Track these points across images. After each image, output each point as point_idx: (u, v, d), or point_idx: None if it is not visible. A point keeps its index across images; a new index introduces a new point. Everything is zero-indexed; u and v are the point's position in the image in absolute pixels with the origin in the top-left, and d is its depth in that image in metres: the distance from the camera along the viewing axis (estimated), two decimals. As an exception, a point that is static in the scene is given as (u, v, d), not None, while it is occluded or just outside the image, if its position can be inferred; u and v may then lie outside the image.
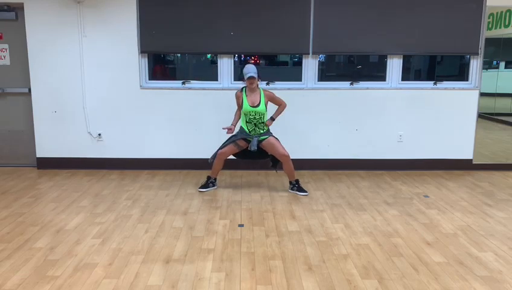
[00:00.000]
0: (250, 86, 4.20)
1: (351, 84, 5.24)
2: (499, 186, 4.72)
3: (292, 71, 5.62)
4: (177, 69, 5.82)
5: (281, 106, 4.32)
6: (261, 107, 4.20)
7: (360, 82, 5.25)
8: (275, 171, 4.76)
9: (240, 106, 4.30)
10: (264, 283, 2.65)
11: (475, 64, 5.22)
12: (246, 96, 4.23)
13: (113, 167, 5.26)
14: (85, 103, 5.15)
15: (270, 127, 4.35)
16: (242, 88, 4.31)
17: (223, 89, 5.15)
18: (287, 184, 4.62)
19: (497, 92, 5.34)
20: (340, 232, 3.44)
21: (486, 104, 5.28)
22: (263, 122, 4.25)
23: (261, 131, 4.26)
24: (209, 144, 5.12)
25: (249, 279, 2.70)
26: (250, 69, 4.17)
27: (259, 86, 4.30)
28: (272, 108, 4.33)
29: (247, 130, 4.27)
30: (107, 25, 4.99)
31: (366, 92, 5.19)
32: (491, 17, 5.07)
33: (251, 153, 4.38)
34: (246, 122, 4.26)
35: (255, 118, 4.21)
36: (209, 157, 4.55)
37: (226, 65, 5.18)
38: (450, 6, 4.99)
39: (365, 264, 2.91)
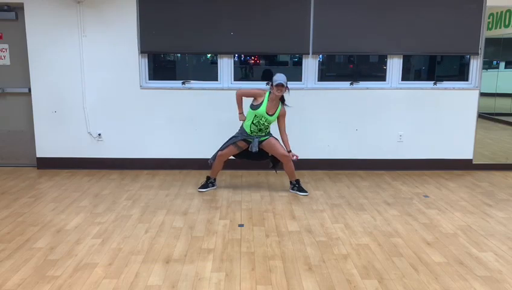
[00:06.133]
0: (278, 94, 4.12)
1: (351, 84, 5.24)
2: (499, 186, 4.72)
3: (292, 71, 5.61)
4: (177, 69, 5.81)
5: (285, 134, 4.31)
6: (274, 118, 4.20)
7: (360, 82, 5.25)
8: (274, 171, 4.76)
9: (254, 104, 4.19)
10: (264, 283, 2.65)
11: (475, 64, 5.22)
12: (268, 101, 4.17)
13: (113, 167, 5.26)
14: (85, 103, 5.15)
15: (270, 127, 4.34)
16: (268, 92, 4.21)
17: (222, 89, 5.15)
18: (287, 184, 4.62)
19: (497, 92, 5.34)
20: (340, 232, 3.44)
21: (486, 104, 5.28)
22: (267, 128, 4.25)
23: (263, 137, 4.26)
24: (209, 144, 5.12)
25: (249, 279, 2.70)
26: (280, 77, 4.11)
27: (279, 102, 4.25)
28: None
29: (248, 131, 4.26)
30: (107, 25, 4.99)
31: (366, 92, 5.19)
32: (491, 17, 5.07)
33: (251, 154, 4.37)
34: (252, 123, 4.22)
35: (263, 124, 4.20)
36: (209, 158, 4.54)
37: (226, 65, 5.18)
38: (450, 6, 4.99)
39: (365, 264, 2.91)
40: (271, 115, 4.18)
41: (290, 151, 4.28)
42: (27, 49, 5.04)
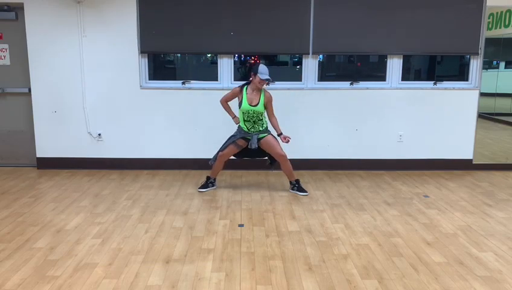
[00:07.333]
0: (260, 86, 4.15)
1: (351, 84, 5.24)
2: (499, 186, 4.72)
3: (292, 71, 5.61)
4: (177, 69, 5.82)
5: (274, 117, 4.30)
6: (260, 107, 4.18)
7: (360, 82, 5.25)
8: (272, 170, 4.75)
9: (238, 103, 4.27)
10: (264, 283, 2.65)
11: (475, 64, 5.22)
12: (246, 94, 4.21)
13: (113, 167, 5.26)
14: (85, 103, 5.15)
15: (268, 126, 4.34)
16: (243, 85, 4.24)
17: (223, 89, 5.14)
18: (287, 184, 4.62)
19: (497, 92, 5.34)
20: (340, 232, 3.44)
21: (486, 104, 5.28)
22: (261, 120, 4.24)
23: (260, 128, 4.26)
24: (209, 144, 5.12)
25: (249, 279, 2.70)
26: (267, 71, 4.12)
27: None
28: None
29: (246, 129, 4.26)
30: (107, 25, 4.99)
31: (366, 92, 5.19)
32: (491, 17, 5.07)
33: (250, 152, 4.38)
34: (244, 120, 4.24)
35: (253, 116, 4.21)
36: (210, 158, 4.54)
37: (226, 65, 5.18)
38: (450, 6, 4.99)
39: (365, 264, 2.91)
40: (255, 105, 4.17)
41: (281, 134, 4.28)
42: (27, 49, 5.04)
